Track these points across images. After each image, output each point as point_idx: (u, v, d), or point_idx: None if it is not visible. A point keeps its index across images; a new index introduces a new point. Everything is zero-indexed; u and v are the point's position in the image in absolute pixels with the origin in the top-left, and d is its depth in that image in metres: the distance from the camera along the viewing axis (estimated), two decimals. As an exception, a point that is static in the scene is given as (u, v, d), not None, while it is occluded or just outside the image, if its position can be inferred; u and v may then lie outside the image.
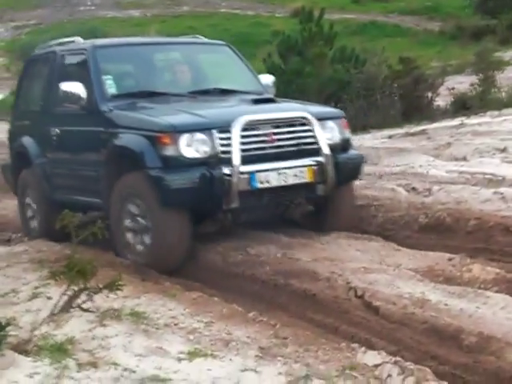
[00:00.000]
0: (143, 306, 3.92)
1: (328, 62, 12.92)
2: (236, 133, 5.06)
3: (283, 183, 5.22)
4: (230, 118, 5.11)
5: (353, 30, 26.28)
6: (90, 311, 3.59)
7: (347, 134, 5.72)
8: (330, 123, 5.58)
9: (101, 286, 3.51)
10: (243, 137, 5.11)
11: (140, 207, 5.20)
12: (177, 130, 5.02)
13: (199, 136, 5.05)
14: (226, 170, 5.02)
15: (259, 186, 5.14)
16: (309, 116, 5.37)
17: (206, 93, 5.99)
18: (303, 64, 12.78)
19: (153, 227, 5.11)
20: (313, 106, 6.08)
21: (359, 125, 11.66)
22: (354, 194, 5.93)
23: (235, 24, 26.66)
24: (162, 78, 6.30)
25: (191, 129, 5.05)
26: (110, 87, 5.83)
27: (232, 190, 5.02)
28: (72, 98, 5.70)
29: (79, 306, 3.58)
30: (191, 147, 5.03)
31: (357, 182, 6.13)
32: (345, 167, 5.48)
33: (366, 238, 5.36)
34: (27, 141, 6.70)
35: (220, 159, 5.06)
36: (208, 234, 5.55)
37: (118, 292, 4.10)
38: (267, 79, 6.53)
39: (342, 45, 13.56)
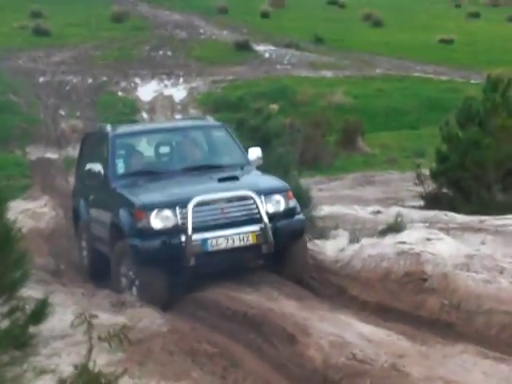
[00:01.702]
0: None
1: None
2: (190, 209, 6.57)
3: (231, 246, 6.70)
4: (189, 198, 6.64)
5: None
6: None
7: (292, 203, 7.11)
8: (277, 196, 7.02)
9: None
10: (196, 212, 6.62)
11: (128, 265, 6.84)
12: (148, 208, 6.64)
13: (165, 212, 6.63)
14: (183, 238, 6.56)
15: (210, 249, 6.66)
16: (251, 194, 6.82)
17: (196, 169, 7.62)
18: (483, 135, 11.75)
19: (137, 278, 6.74)
20: (266, 180, 7.42)
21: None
22: (305, 249, 7.28)
23: (426, 88, 25.73)
24: (163, 159, 8.08)
25: (159, 206, 6.65)
26: (120, 168, 7.69)
27: (187, 253, 6.53)
28: (96, 174, 7.57)
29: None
30: (159, 220, 6.61)
31: None
32: (283, 231, 6.89)
33: (498, 358, 4.43)
34: (80, 201, 8.85)
35: (181, 229, 6.57)
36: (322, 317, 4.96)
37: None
38: (254, 152, 7.97)
39: (531, 117, 12.31)
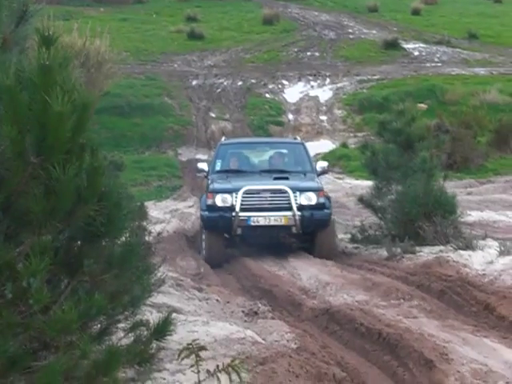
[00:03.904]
0: None
1: None
2: (239, 195, 9.52)
3: (268, 223, 9.52)
4: (242, 187, 9.61)
5: None
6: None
7: (322, 200, 9.63)
8: (310, 193, 9.64)
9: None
10: (245, 197, 9.54)
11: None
12: (215, 191, 9.79)
13: (225, 195, 9.64)
14: (233, 214, 9.50)
15: (252, 223, 9.54)
16: (286, 188, 9.59)
17: (269, 171, 10.49)
18: None
19: (202, 240, 9.95)
20: (308, 182, 10.01)
21: None
22: (333, 236, 9.78)
23: None
24: (248, 162, 11.01)
25: (222, 191, 9.74)
26: (217, 166, 10.77)
27: (234, 224, 9.51)
28: (201, 170, 10.85)
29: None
30: (221, 200, 9.61)
31: None
32: (309, 219, 9.46)
33: None
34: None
35: (234, 208, 9.49)
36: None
37: None
38: (322, 164, 10.86)
39: None
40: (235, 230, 9.54)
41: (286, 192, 9.53)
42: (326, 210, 9.62)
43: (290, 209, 9.44)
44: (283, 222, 9.48)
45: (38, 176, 3.05)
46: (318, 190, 9.69)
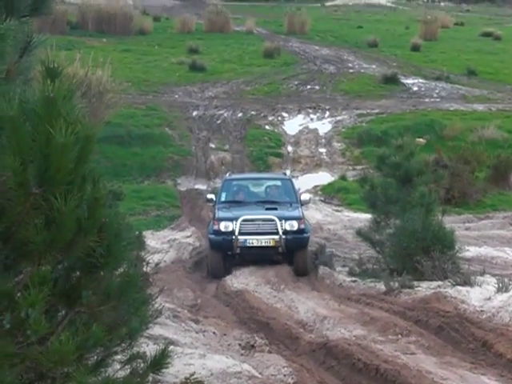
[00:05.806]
0: None
1: None
2: (238, 223, 12.03)
3: (260, 244, 12.08)
4: (240, 216, 12.08)
5: None
6: None
7: (302, 226, 12.14)
8: (293, 221, 12.13)
9: None
10: (242, 224, 12.05)
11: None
12: (220, 220, 12.19)
13: (228, 223, 12.06)
14: (233, 237, 11.99)
15: (248, 245, 12.10)
16: (274, 218, 12.12)
17: (263, 202, 13.02)
18: None
19: (208, 258, 12.36)
20: (291, 212, 12.49)
21: None
22: (306, 256, 12.11)
23: None
24: (247, 195, 13.47)
25: (225, 220, 12.14)
26: (222, 197, 13.09)
27: (234, 245, 12.03)
28: (210, 200, 13.08)
29: None
30: (224, 227, 12.00)
31: None
32: (291, 241, 11.97)
33: None
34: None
35: (234, 232, 11.96)
36: None
37: None
38: (305, 196, 13.36)
39: None
40: (235, 250, 12.09)
41: (274, 220, 12.16)
42: (304, 234, 12.24)
43: (277, 233, 12.05)
44: (272, 243, 12.12)
45: (39, 206, 3.07)
46: (299, 219, 12.32)
